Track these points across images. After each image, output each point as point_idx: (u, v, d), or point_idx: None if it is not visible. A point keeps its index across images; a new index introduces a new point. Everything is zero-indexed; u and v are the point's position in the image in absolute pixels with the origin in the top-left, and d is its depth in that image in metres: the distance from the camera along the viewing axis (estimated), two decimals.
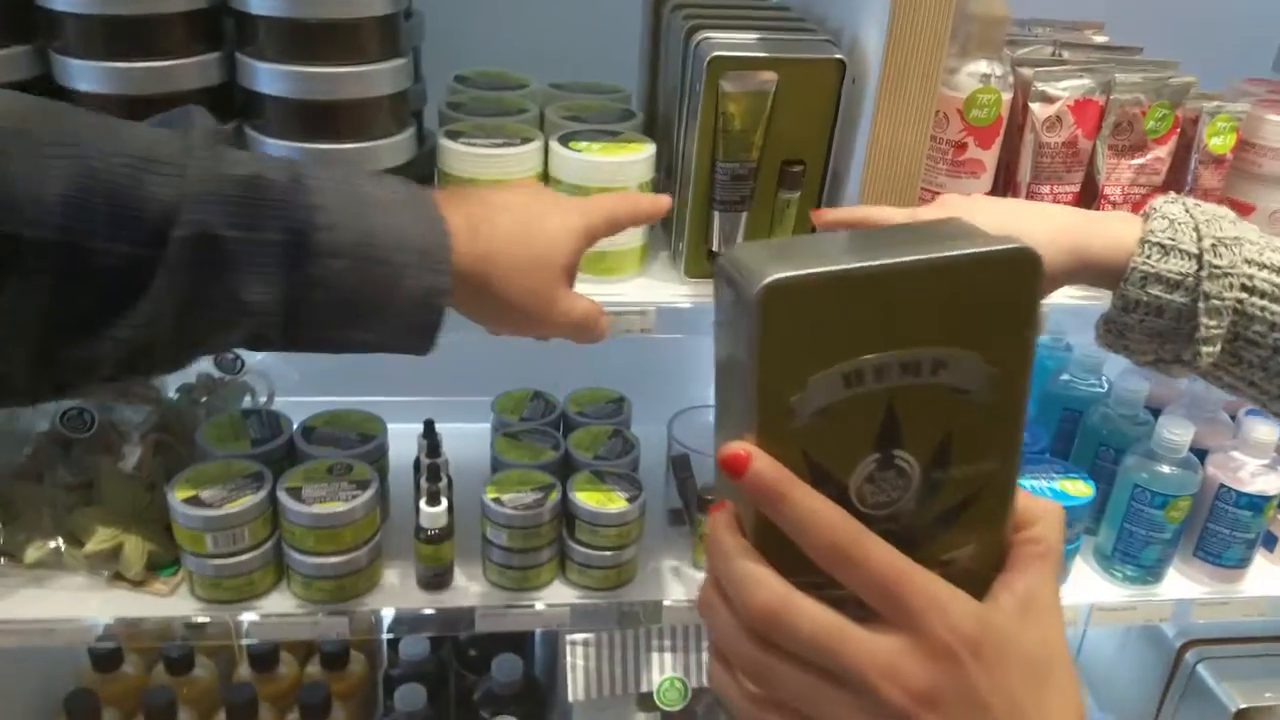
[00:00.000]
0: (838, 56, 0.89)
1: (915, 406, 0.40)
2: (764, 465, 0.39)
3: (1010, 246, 0.40)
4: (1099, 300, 0.92)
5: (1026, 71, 0.95)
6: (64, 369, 0.56)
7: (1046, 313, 1.26)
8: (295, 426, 1.12)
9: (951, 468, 0.42)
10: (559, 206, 0.70)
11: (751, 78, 0.88)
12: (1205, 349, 0.72)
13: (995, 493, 0.43)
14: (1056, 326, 1.34)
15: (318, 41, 0.84)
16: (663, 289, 0.97)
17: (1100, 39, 1.11)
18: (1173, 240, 0.72)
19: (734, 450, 0.40)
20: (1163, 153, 0.98)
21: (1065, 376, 1.27)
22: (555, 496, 1.04)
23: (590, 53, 1.16)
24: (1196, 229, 0.72)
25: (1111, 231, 0.73)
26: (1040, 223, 0.74)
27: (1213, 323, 0.71)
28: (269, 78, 0.85)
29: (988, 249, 0.40)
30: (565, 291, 0.70)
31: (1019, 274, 0.40)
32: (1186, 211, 0.74)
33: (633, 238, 0.95)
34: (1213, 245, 0.71)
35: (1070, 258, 0.73)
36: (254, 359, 1.25)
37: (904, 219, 0.77)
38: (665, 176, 1.02)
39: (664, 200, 0.78)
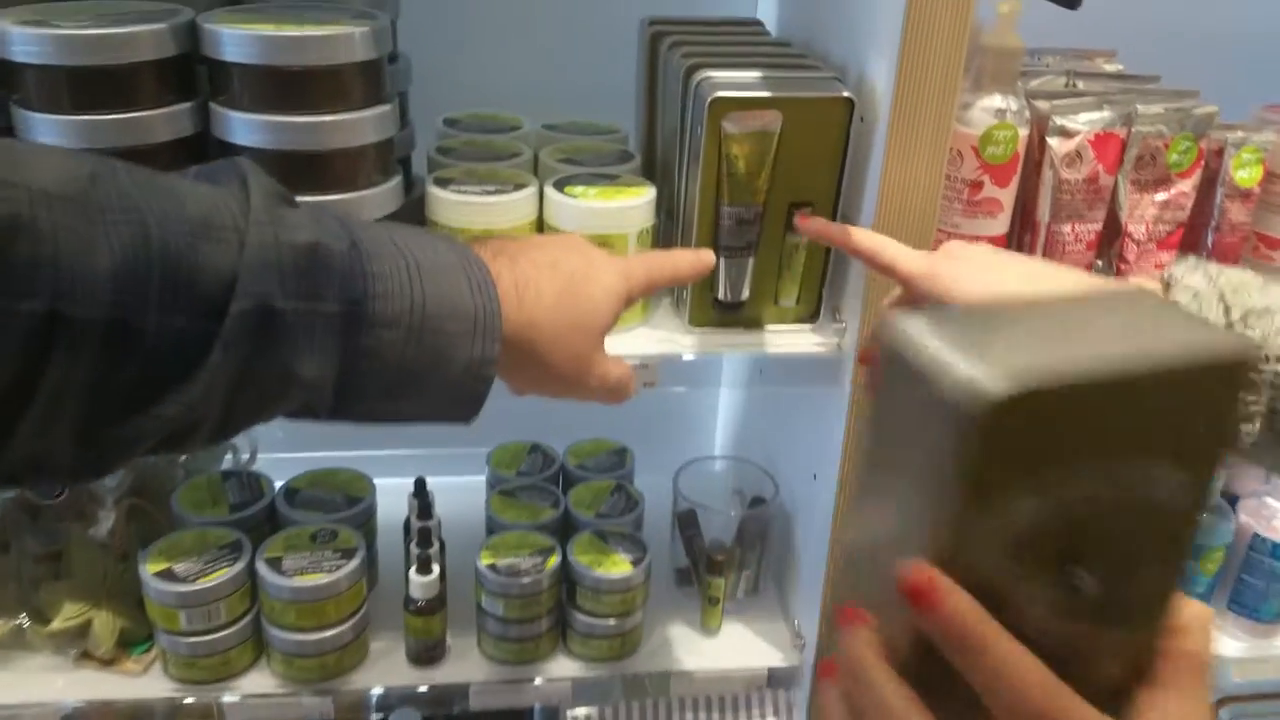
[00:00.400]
0: (845, 94, 0.84)
1: (1103, 519, 0.36)
2: (964, 606, 0.35)
3: (1242, 347, 0.35)
4: None
5: (1043, 105, 0.91)
6: (106, 448, 0.51)
7: None
8: (278, 489, 1.06)
9: (1124, 580, 0.37)
10: (601, 266, 0.67)
11: (755, 118, 0.83)
12: (1245, 427, 0.66)
13: (1159, 601, 0.39)
14: None
15: (296, 89, 0.79)
16: (666, 340, 0.91)
17: (1112, 67, 1.07)
18: (1198, 314, 0.66)
19: (923, 578, 0.35)
20: (1187, 187, 0.93)
21: None
22: (555, 561, 0.99)
23: (585, 92, 1.12)
24: (1222, 299, 0.67)
25: None
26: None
27: (1251, 398, 0.65)
28: (244, 128, 0.80)
29: (1222, 350, 0.35)
30: (602, 355, 0.67)
31: (1237, 376, 0.36)
32: (1210, 281, 0.68)
33: None
34: (1243, 317, 0.66)
35: None
36: None
37: (915, 260, 0.72)
38: (666, 219, 0.97)
39: (706, 258, 0.74)
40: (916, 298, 0.71)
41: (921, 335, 0.34)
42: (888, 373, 0.36)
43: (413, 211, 0.91)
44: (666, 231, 0.97)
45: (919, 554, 0.35)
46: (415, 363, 0.56)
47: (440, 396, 0.58)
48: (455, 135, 1.02)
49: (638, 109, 1.09)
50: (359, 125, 0.81)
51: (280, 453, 1.18)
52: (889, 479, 0.37)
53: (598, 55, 1.14)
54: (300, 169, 0.81)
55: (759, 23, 1.08)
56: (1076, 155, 0.89)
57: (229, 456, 1.19)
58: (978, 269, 0.69)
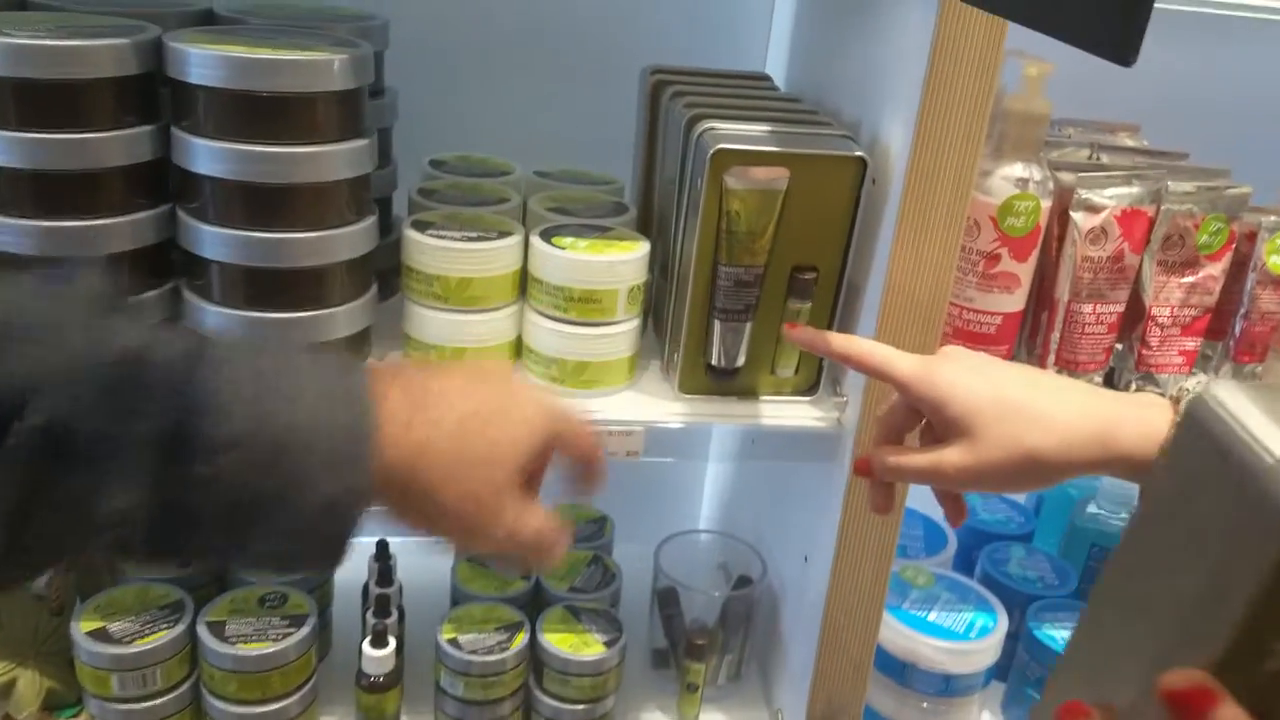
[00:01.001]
0: (858, 154, 0.78)
1: None
2: None
3: None
4: None
5: (1067, 177, 0.85)
6: None
7: None
8: None
9: None
10: (523, 398, 0.57)
11: (760, 174, 0.78)
12: None
13: None
14: None
15: (265, 117, 0.73)
16: (653, 406, 0.85)
17: (1135, 142, 1.01)
18: None
19: (1195, 687, 0.32)
20: (1216, 270, 0.87)
21: (1092, 509, 1.15)
22: (522, 639, 0.91)
23: (583, 141, 1.07)
24: None
25: (1143, 418, 0.60)
26: (1058, 405, 0.61)
27: None
28: (207, 156, 0.74)
29: None
30: (514, 501, 0.55)
31: None
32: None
33: (620, 346, 0.84)
34: None
35: (1097, 448, 0.60)
36: None
37: (910, 363, 0.66)
38: (660, 277, 0.91)
39: (601, 476, 0.62)
40: (913, 402, 0.66)
41: (1243, 409, 0.29)
42: (1180, 448, 0.30)
43: (389, 255, 0.85)
44: (661, 289, 0.91)
45: (1187, 653, 0.31)
46: (260, 494, 0.47)
47: (294, 534, 0.48)
48: (441, 177, 0.97)
49: (636, 161, 1.03)
50: (331, 159, 0.75)
51: None
52: (1169, 576, 0.32)
53: (598, 104, 1.08)
54: (266, 202, 0.75)
55: (767, 77, 1.03)
56: (1101, 232, 0.84)
57: None
58: (977, 372, 0.63)
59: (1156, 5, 0.47)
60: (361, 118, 0.79)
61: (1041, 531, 1.20)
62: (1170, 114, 1.05)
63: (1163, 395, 0.63)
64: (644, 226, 0.96)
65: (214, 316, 0.78)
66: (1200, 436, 0.31)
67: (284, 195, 0.75)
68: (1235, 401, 0.30)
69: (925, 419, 0.67)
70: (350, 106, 0.77)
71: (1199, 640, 0.31)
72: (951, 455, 0.62)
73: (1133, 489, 1.13)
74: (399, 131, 0.96)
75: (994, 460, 0.60)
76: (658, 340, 0.92)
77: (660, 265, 0.90)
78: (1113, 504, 1.14)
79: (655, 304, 0.93)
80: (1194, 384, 0.61)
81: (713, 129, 0.79)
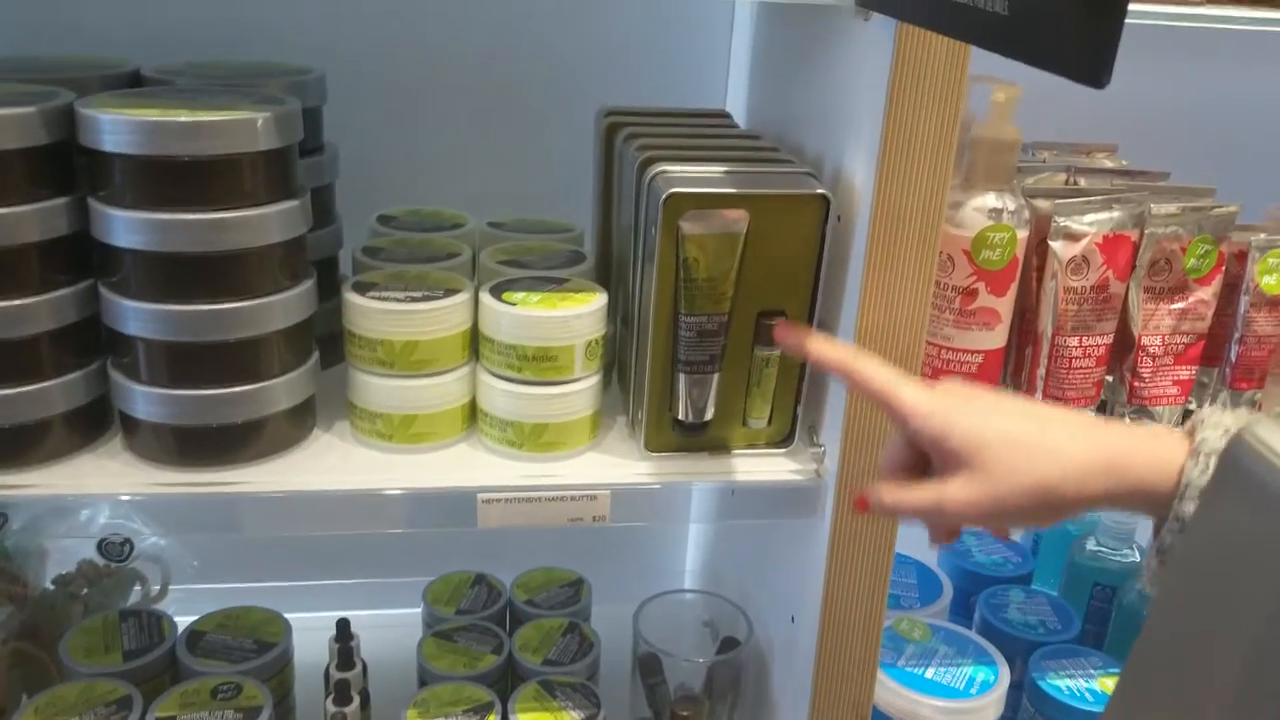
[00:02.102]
0: (820, 191, 0.74)
1: None
2: None
3: None
4: None
5: (1043, 204, 0.81)
6: None
7: None
8: (180, 631, 0.92)
9: None
10: None
11: (717, 217, 0.73)
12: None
13: None
14: None
15: (186, 183, 0.68)
16: (618, 467, 0.80)
17: (1113, 164, 0.97)
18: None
19: None
20: (1207, 295, 0.83)
21: (1092, 545, 1.10)
22: None
23: (540, 189, 1.03)
24: None
25: (1155, 449, 0.56)
26: (1066, 437, 0.57)
27: None
28: (126, 228, 0.69)
29: None
30: None
31: None
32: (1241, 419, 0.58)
33: (580, 404, 0.79)
34: None
35: (1109, 479, 0.56)
36: (145, 542, 1.06)
37: (916, 394, 0.61)
38: (623, 327, 0.86)
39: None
40: (914, 434, 0.61)
41: None
42: (1219, 495, 0.25)
43: (335, 319, 0.80)
44: (623, 340, 0.86)
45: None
46: None
47: None
48: (389, 233, 0.92)
49: (595, 209, 0.99)
50: (260, 223, 0.71)
51: (195, 584, 1.06)
52: (1193, 646, 0.29)
53: (555, 150, 1.05)
54: (191, 273, 0.70)
55: (726, 115, 0.99)
56: (1083, 260, 0.79)
57: (137, 589, 1.06)
58: (980, 404, 0.60)
59: (1126, 19, 0.43)
60: (292, 177, 0.74)
61: (1041, 571, 1.15)
62: (1148, 132, 1.02)
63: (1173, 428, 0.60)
64: (603, 275, 0.91)
65: (142, 397, 0.73)
66: (1244, 483, 0.26)
67: (210, 264, 0.70)
68: None
69: (920, 459, 0.63)
70: (278, 166, 0.72)
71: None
72: (955, 489, 0.58)
73: (1133, 524, 1.08)
74: (344, 188, 0.92)
75: (1000, 493, 0.57)
76: (622, 396, 0.87)
77: (621, 314, 0.85)
78: (1113, 540, 1.09)
79: (618, 356, 0.89)
80: (1208, 410, 0.56)
81: (665, 172, 0.74)
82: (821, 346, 0.68)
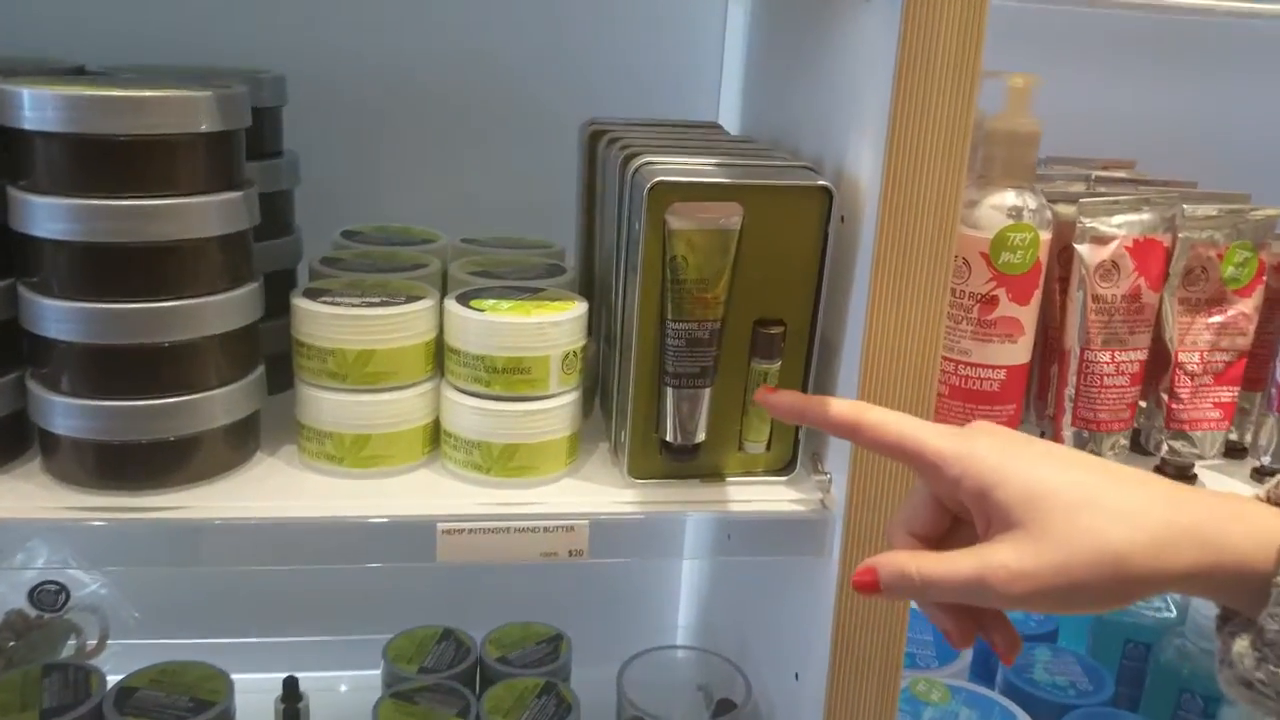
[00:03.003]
0: (821, 183, 0.67)
1: None
2: None
3: None
4: None
5: (1065, 209, 0.74)
6: None
7: None
8: (109, 688, 0.83)
9: None
10: None
11: (708, 211, 0.66)
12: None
13: None
14: None
15: (116, 165, 0.61)
16: (599, 495, 0.71)
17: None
18: None
19: None
20: (1247, 307, 0.75)
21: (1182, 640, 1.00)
22: None
23: (520, 209, 0.96)
24: None
25: (1245, 514, 0.45)
26: (1143, 496, 0.46)
27: None
28: (46, 215, 0.61)
29: None
30: None
31: None
32: None
33: (555, 423, 0.70)
34: None
35: (1198, 551, 0.44)
36: (83, 591, 0.97)
37: (946, 437, 0.50)
38: (606, 345, 0.78)
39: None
40: (947, 487, 0.49)
41: None
42: None
43: (282, 338, 0.72)
44: (607, 359, 0.78)
45: None
46: None
47: None
48: (352, 247, 0.85)
49: (577, 226, 0.92)
50: (199, 213, 0.63)
51: (134, 639, 0.96)
52: None
53: (536, 169, 0.98)
54: (120, 268, 0.62)
55: (718, 126, 0.93)
56: (1113, 265, 0.72)
57: (71, 642, 0.96)
58: (1033, 454, 0.48)
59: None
60: (236, 167, 0.67)
61: (1066, 628, 1.05)
62: (1167, 149, 0.95)
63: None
64: (585, 294, 0.83)
65: (62, 410, 0.64)
66: None
67: (140, 257, 0.63)
68: None
69: (943, 525, 0.52)
70: (221, 152, 0.65)
71: None
72: (1004, 555, 0.45)
73: None
74: (310, 203, 0.85)
75: (1063, 560, 0.44)
76: (605, 421, 0.79)
77: (604, 333, 0.78)
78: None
79: (601, 379, 0.81)
80: None
81: (650, 163, 0.67)
82: (816, 405, 0.55)
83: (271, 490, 0.68)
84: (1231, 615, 0.46)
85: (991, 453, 0.48)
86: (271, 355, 0.73)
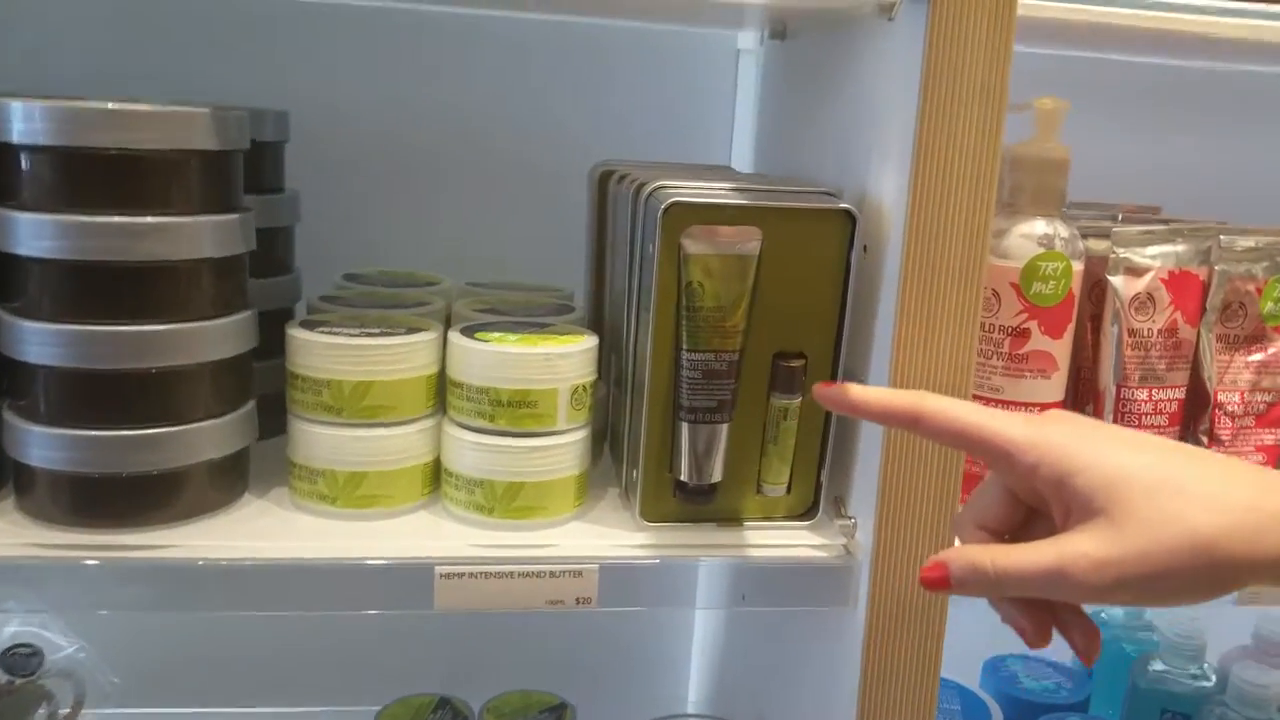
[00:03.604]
0: (844, 206, 0.64)
1: None
2: None
3: None
4: None
5: (1097, 245, 0.71)
6: None
7: None
8: None
9: None
10: None
11: (725, 235, 0.63)
12: None
13: None
14: None
15: (105, 180, 0.58)
16: (609, 538, 0.67)
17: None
18: None
19: None
20: None
21: (1158, 666, 0.95)
22: None
23: (529, 258, 0.93)
24: None
25: None
26: (1224, 479, 0.43)
27: None
28: (32, 233, 0.58)
29: None
30: None
31: None
32: None
33: (564, 461, 0.66)
34: None
35: None
36: (58, 654, 0.91)
37: (1016, 425, 0.47)
38: (616, 390, 0.75)
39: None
40: (1021, 475, 0.47)
41: None
42: None
43: (277, 377, 0.68)
44: (617, 401, 0.74)
45: None
46: None
47: None
48: (353, 288, 0.82)
49: (587, 272, 0.89)
50: (191, 233, 0.60)
51: (113, 708, 0.90)
52: None
53: (545, 217, 0.95)
54: (105, 287, 0.59)
55: (730, 168, 0.91)
56: (1148, 298, 0.69)
57: (42, 711, 0.90)
58: (1109, 438, 0.46)
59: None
60: (233, 190, 0.64)
61: (1099, 697, 1.00)
62: (1186, 200, 0.93)
63: None
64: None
65: (38, 440, 0.61)
66: None
67: (128, 277, 0.60)
68: None
69: (1017, 518, 0.49)
70: (216, 172, 0.62)
71: None
72: (1085, 544, 0.43)
73: (1202, 640, 0.94)
74: (312, 247, 0.83)
75: (1148, 549, 0.42)
76: (615, 467, 0.75)
77: (615, 378, 0.74)
78: (1181, 659, 0.94)
79: (611, 424, 0.77)
80: None
81: (664, 186, 0.64)
82: (874, 395, 0.52)
83: (258, 531, 0.64)
84: None
85: (1069, 439, 0.45)
86: (264, 396, 0.69)
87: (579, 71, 0.95)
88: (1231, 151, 1.04)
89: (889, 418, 0.52)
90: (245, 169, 0.67)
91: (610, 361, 0.75)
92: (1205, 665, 0.95)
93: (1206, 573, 0.42)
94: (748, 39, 0.95)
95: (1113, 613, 1.03)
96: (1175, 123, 1.04)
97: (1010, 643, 1.04)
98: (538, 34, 0.93)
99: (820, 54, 0.78)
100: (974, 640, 0.93)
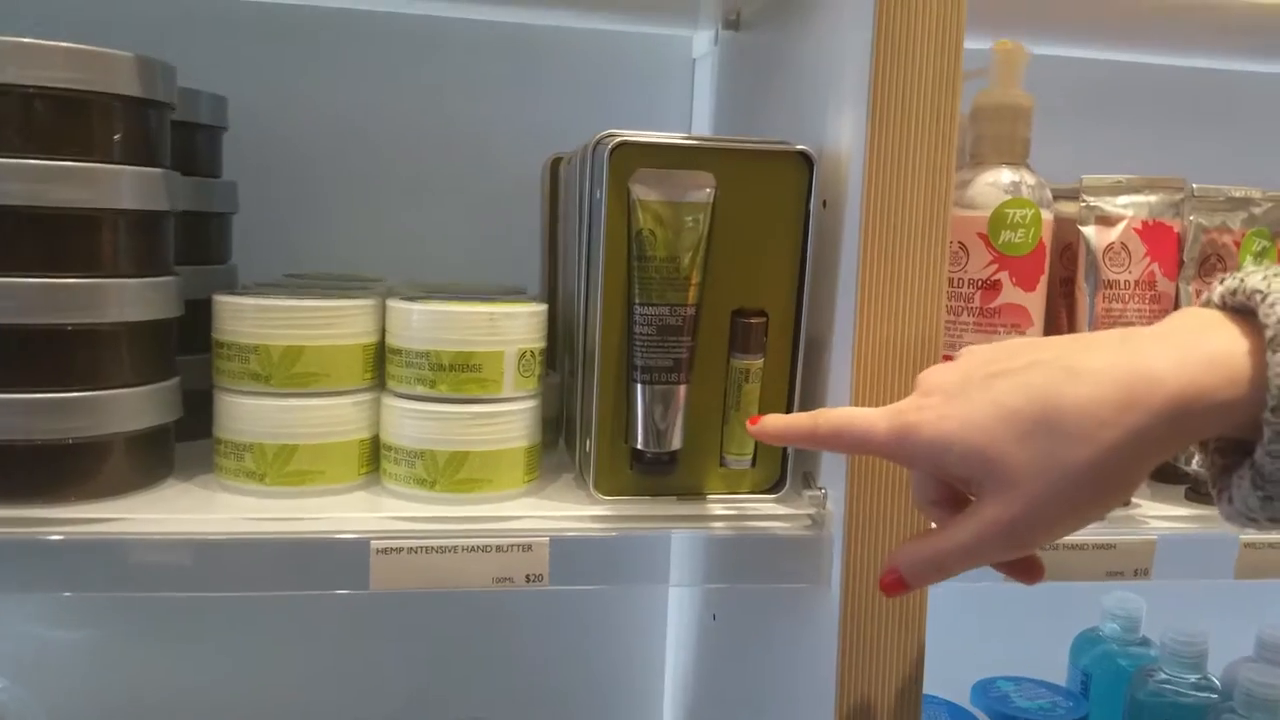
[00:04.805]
0: (800, 148, 0.61)
1: None
2: None
3: None
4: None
5: (1067, 207, 0.68)
6: None
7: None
8: None
9: None
10: None
11: (677, 181, 0.60)
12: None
13: None
14: (1122, 608, 0.98)
15: (9, 118, 0.55)
16: (561, 511, 0.62)
17: None
18: None
19: None
20: None
21: (1162, 676, 0.89)
22: None
23: (482, 260, 0.90)
24: None
25: (1214, 345, 0.42)
26: (1097, 364, 0.43)
27: None
28: None
29: None
30: None
31: None
32: None
33: (511, 430, 0.62)
34: None
35: (1169, 402, 0.41)
36: None
37: (886, 421, 0.48)
38: (569, 376, 0.70)
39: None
40: (909, 466, 0.52)
41: None
42: None
43: (202, 374, 0.63)
44: (568, 381, 0.70)
45: None
46: None
47: None
48: (291, 283, 0.78)
49: (541, 276, 0.85)
50: (107, 180, 0.56)
51: None
52: None
53: (496, 216, 0.92)
54: (14, 235, 0.55)
55: None
56: (1122, 248, 0.66)
57: None
58: (972, 388, 0.46)
59: None
60: (157, 143, 0.61)
61: (1097, 715, 0.93)
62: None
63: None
64: (549, 340, 0.76)
65: None
66: None
67: (40, 224, 0.55)
68: None
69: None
70: (138, 120, 0.59)
71: None
72: (991, 510, 0.44)
73: (1204, 645, 0.88)
74: (255, 250, 0.79)
75: (1041, 497, 0.43)
76: (569, 448, 0.70)
77: (570, 370, 0.70)
78: (1181, 668, 0.88)
79: (565, 403, 0.72)
80: (1238, 280, 0.42)
81: (613, 133, 0.61)
82: (779, 423, 0.54)
83: (179, 509, 0.59)
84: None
85: (927, 422, 0.46)
86: (194, 393, 0.64)
87: (532, 76, 0.93)
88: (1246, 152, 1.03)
89: (800, 439, 0.54)
90: (179, 149, 0.64)
91: (565, 362, 0.72)
92: (1209, 675, 0.89)
93: (1108, 480, 0.42)
94: (703, 41, 0.94)
95: (1107, 627, 0.98)
96: (1186, 128, 1.02)
97: (998, 665, 0.99)
98: (491, 37, 0.91)
99: (774, 31, 0.76)
100: (960, 665, 0.88)
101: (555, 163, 0.80)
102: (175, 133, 0.68)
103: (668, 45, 0.95)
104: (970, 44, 0.59)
